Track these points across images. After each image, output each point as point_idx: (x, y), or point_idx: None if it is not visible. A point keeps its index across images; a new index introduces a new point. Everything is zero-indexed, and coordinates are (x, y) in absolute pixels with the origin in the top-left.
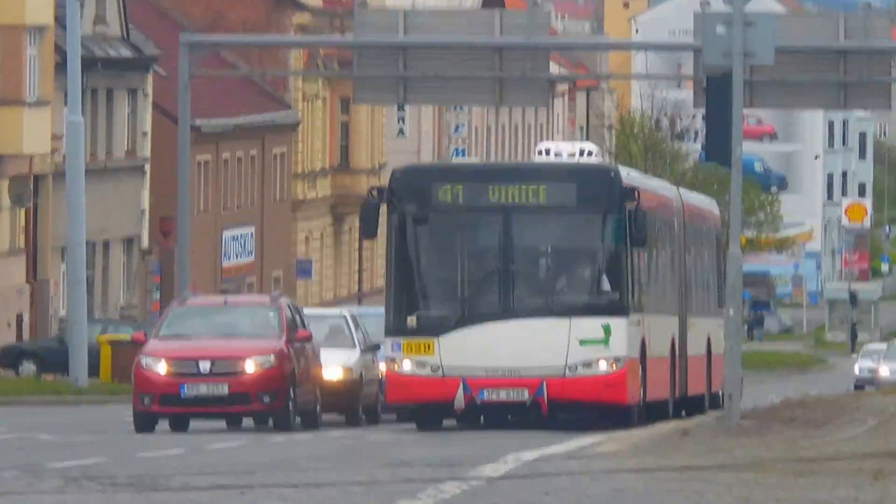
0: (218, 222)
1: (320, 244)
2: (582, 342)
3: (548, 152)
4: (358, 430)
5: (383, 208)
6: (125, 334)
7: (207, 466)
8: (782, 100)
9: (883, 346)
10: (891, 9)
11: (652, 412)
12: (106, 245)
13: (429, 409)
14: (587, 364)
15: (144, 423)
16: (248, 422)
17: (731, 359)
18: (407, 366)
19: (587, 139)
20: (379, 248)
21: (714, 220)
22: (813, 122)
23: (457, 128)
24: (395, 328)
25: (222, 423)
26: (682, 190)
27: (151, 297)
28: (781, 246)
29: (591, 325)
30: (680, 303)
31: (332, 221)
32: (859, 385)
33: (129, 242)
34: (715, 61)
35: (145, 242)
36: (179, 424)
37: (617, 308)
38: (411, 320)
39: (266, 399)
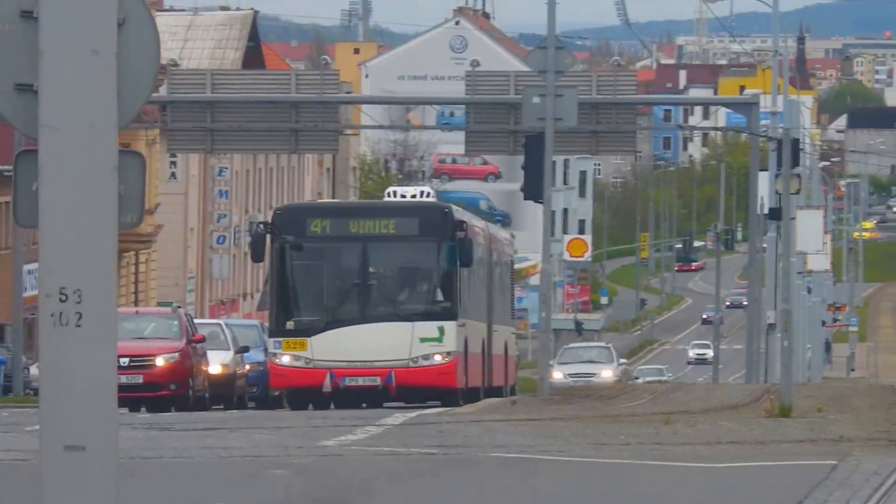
0: (19, 258)
1: None
2: (422, 340)
3: (395, 194)
4: (244, 411)
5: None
6: None
7: (185, 421)
8: (495, 148)
9: None
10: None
11: (468, 397)
12: None
13: (302, 393)
14: (426, 357)
15: None
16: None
17: (542, 348)
18: (286, 359)
19: (334, 181)
20: (151, 281)
21: (510, 248)
22: None
23: (220, 171)
24: (277, 330)
25: (125, 408)
26: (488, 223)
27: None
28: None
29: (429, 327)
30: (488, 312)
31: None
32: None
33: None
34: (532, 123)
35: None
36: None
37: (449, 314)
38: (290, 324)
39: (172, 387)
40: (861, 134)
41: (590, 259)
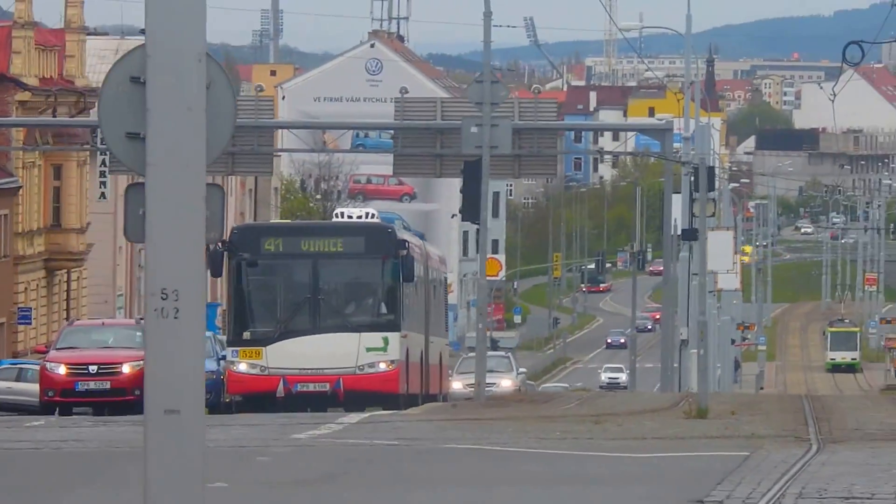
0: None
1: (36, 294)
2: (368, 349)
3: (342, 215)
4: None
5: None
6: None
7: None
8: (422, 171)
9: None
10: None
11: (408, 403)
12: None
13: (257, 398)
14: (371, 365)
15: (48, 409)
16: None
17: (479, 356)
18: (243, 367)
19: (255, 201)
20: (82, 297)
21: (443, 266)
22: (450, 183)
23: None
24: (234, 340)
25: (89, 410)
26: (424, 243)
27: None
28: None
29: (374, 338)
30: (425, 325)
31: (46, 274)
32: None
33: None
34: (470, 151)
35: None
36: (66, 411)
37: (392, 325)
38: (246, 334)
39: (137, 392)
40: (769, 155)
41: (503, 278)
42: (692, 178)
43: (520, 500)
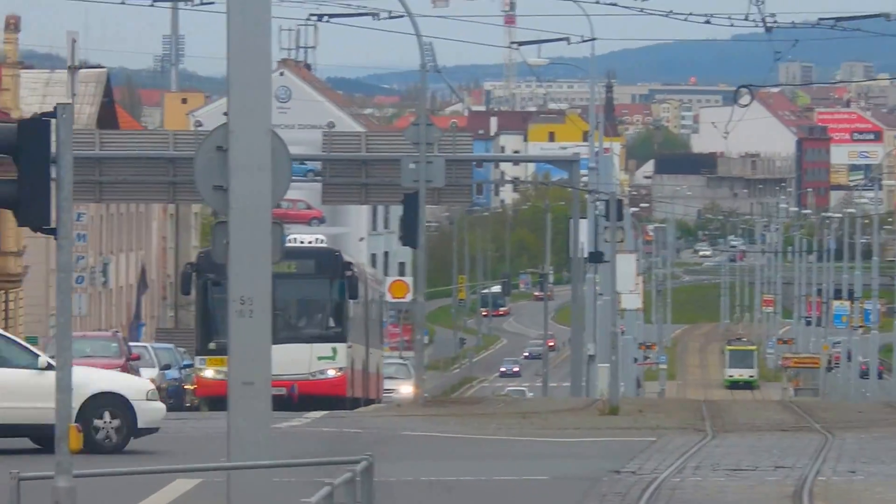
0: None
1: None
2: (319, 358)
3: (295, 240)
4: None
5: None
6: None
7: None
8: (349, 199)
9: None
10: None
11: (352, 406)
12: None
13: (222, 400)
14: (322, 371)
15: None
16: None
17: (418, 365)
18: (209, 373)
19: (178, 225)
20: (19, 317)
21: (380, 286)
22: (358, 208)
23: (78, 216)
24: (202, 350)
25: None
26: (362, 265)
27: None
28: None
29: (324, 348)
30: (366, 337)
31: None
32: None
33: None
34: (409, 185)
35: None
36: None
37: (340, 337)
38: (212, 345)
39: None
40: (668, 179)
41: (411, 300)
42: (596, 206)
43: (466, 470)
